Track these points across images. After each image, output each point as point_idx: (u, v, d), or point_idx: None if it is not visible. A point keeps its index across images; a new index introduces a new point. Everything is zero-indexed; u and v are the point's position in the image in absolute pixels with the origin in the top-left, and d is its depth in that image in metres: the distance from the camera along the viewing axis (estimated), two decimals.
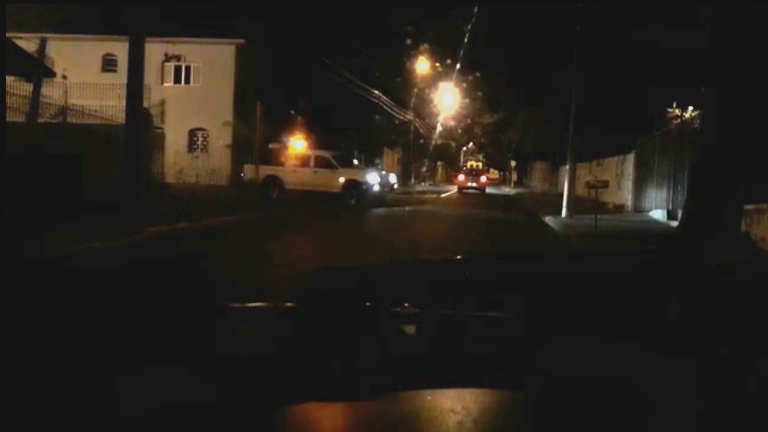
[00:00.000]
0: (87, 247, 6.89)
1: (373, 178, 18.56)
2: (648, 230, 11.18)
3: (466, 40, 27.08)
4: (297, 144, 18.75)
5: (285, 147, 18.63)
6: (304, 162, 18.20)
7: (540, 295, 1.16)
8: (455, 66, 30.43)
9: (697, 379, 0.84)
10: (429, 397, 0.78)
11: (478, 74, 31.63)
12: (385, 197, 19.62)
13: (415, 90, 32.75)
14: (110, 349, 0.87)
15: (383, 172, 22.74)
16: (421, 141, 38.79)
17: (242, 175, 19.05)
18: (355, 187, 17.70)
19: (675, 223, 10.51)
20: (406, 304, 1.08)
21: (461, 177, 32.53)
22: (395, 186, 23.10)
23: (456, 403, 0.75)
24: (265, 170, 18.44)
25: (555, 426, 0.74)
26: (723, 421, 0.74)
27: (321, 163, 18.06)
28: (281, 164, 18.27)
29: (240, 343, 0.98)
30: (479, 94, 34.51)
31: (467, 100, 36.15)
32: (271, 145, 19.07)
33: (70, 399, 0.76)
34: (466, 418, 0.71)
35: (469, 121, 40.37)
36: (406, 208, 16.75)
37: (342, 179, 17.77)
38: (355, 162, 21.65)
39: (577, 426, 0.73)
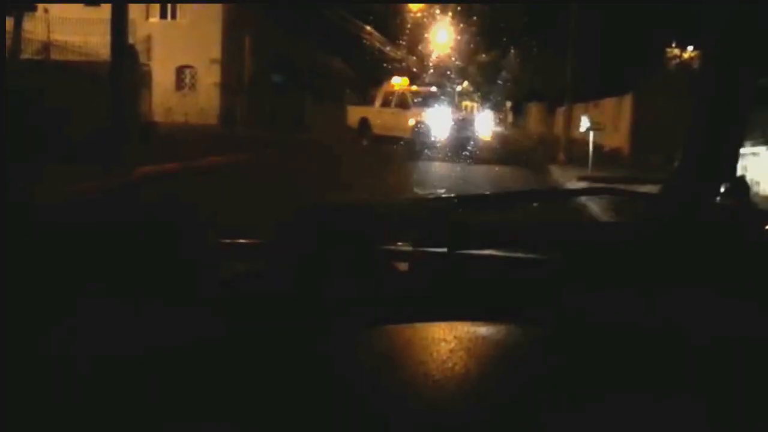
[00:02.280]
0: (76, 189, 6.77)
1: (437, 121, 15.03)
2: (644, 174, 11.13)
3: None
4: (396, 80, 16.06)
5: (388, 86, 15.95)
6: (387, 101, 15.71)
7: (537, 236, 1.16)
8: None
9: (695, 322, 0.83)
10: (421, 329, 0.80)
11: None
12: (463, 142, 15.14)
13: (408, 15, 31.69)
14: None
15: (465, 113, 17.84)
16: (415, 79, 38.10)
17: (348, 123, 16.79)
18: (421, 130, 14.75)
19: (672, 166, 10.46)
20: (399, 243, 1.08)
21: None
22: (475, 133, 17.29)
23: (448, 333, 0.77)
24: (360, 112, 16.29)
25: (548, 355, 0.75)
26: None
27: (399, 101, 15.43)
28: (372, 105, 15.93)
29: (233, 278, 0.99)
30: (474, 23, 33.43)
31: (461, 37, 35.22)
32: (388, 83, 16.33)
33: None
34: (458, 346, 0.73)
35: (462, 60, 39.52)
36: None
37: (411, 121, 15.10)
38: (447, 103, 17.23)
39: (567, 357, 0.74)
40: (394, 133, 15.04)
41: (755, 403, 0.64)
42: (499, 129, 38.26)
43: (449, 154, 13.84)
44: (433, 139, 14.97)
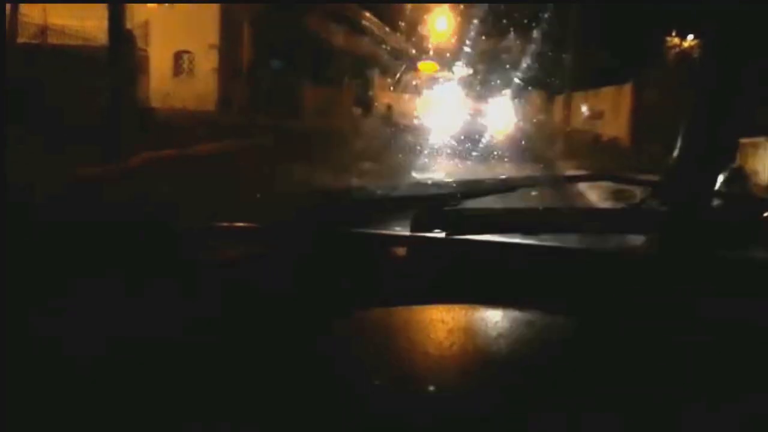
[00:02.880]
0: (72, 177, 6.75)
1: (459, 107, 13.80)
2: (644, 164, 11.14)
3: None
4: (424, 65, 15.08)
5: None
6: (407, 85, 14.99)
7: (536, 222, 1.17)
8: None
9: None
10: (418, 311, 0.80)
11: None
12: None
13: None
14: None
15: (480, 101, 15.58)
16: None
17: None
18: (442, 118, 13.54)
19: (671, 156, 10.47)
20: (397, 228, 1.07)
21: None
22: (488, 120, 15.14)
23: (446, 314, 0.77)
24: (386, 97, 15.45)
25: (543, 337, 0.76)
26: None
27: (424, 87, 14.39)
28: (397, 91, 15.06)
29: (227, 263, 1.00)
30: (473, 10, 33.11)
31: (460, 21, 34.92)
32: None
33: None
34: (456, 326, 0.74)
35: (461, 47, 39.25)
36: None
37: (435, 108, 13.98)
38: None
39: (563, 344, 0.75)
40: (407, 122, 14.24)
41: (755, 402, 0.63)
42: (505, 116, 38.17)
43: (463, 140, 12.37)
44: (453, 124, 14.03)
